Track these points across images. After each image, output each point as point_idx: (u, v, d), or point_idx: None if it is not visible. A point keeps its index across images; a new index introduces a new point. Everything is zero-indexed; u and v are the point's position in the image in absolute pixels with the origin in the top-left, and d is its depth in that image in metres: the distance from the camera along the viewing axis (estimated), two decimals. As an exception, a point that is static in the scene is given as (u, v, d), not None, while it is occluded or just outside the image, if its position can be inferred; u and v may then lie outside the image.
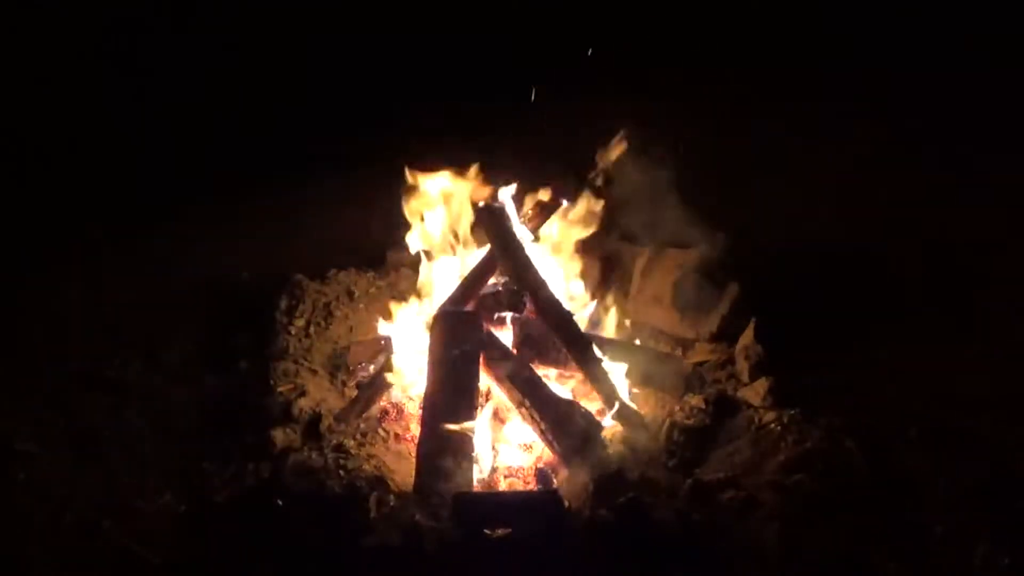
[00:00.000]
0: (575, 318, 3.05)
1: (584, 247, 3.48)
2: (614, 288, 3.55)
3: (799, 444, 2.52)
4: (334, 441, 2.74)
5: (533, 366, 2.94)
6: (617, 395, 2.89)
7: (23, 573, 2.27)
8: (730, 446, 2.66)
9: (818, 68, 6.18)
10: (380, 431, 2.87)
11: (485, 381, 2.87)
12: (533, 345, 3.04)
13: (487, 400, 2.93)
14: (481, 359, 2.80)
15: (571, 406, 2.72)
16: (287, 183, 5.17)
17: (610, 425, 2.83)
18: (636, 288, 3.51)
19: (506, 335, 3.08)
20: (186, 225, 4.72)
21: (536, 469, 2.73)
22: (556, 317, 2.98)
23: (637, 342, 3.36)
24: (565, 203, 3.37)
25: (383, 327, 3.32)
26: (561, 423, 2.65)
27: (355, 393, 3.07)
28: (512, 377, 2.77)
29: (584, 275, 3.49)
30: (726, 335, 3.25)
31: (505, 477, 2.72)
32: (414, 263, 3.78)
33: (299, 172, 5.32)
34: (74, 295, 3.87)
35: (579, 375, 3.00)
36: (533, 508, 2.31)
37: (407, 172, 3.36)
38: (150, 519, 2.43)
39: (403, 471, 2.65)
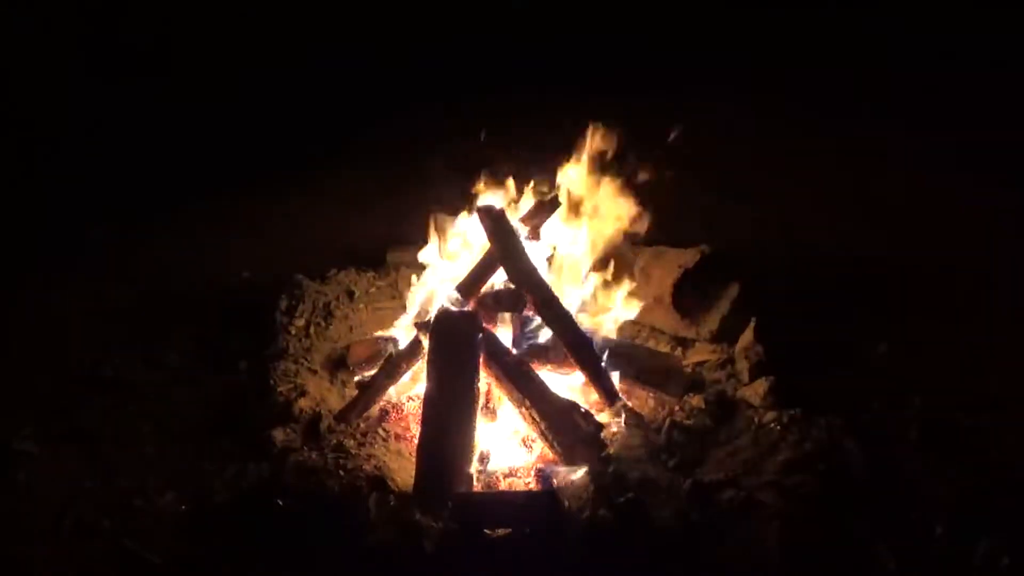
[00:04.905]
0: (575, 318, 3.05)
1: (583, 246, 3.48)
2: (614, 287, 3.55)
3: (799, 444, 2.52)
4: (334, 441, 2.74)
5: (533, 366, 2.93)
6: (617, 395, 2.89)
7: (24, 573, 2.27)
8: (730, 446, 2.66)
9: (819, 68, 6.19)
10: (380, 431, 2.87)
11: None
12: (533, 345, 3.04)
13: (487, 400, 2.93)
14: (481, 359, 2.80)
15: (571, 406, 2.72)
16: (287, 183, 5.19)
17: (610, 425, 2.83)
18: (636, 288, 3.50)
19: (506, 335, 3.08)
20: (186, 225, 4.73)
21: (536, 469, 2.73)
22: (556, 317, 2.98)
23: (637, 342, 3.36)
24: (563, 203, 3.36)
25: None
26: (561, 423, 2.65)
27: (355, 393, 3.07)
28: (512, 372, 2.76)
29: (585, 275, 3.49)
30: (726, 335, 3.25)
31: (505, 477, 2.72)
32: (414, 263, 3.78)
33: (299, 172, 5.33)
34: (74, 295, 3.88)
35: (579, 375, 3.00)
36: (533, 508, 2.31)
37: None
38: (150, 519, 2.43)
39: (403, 471, 2.65)
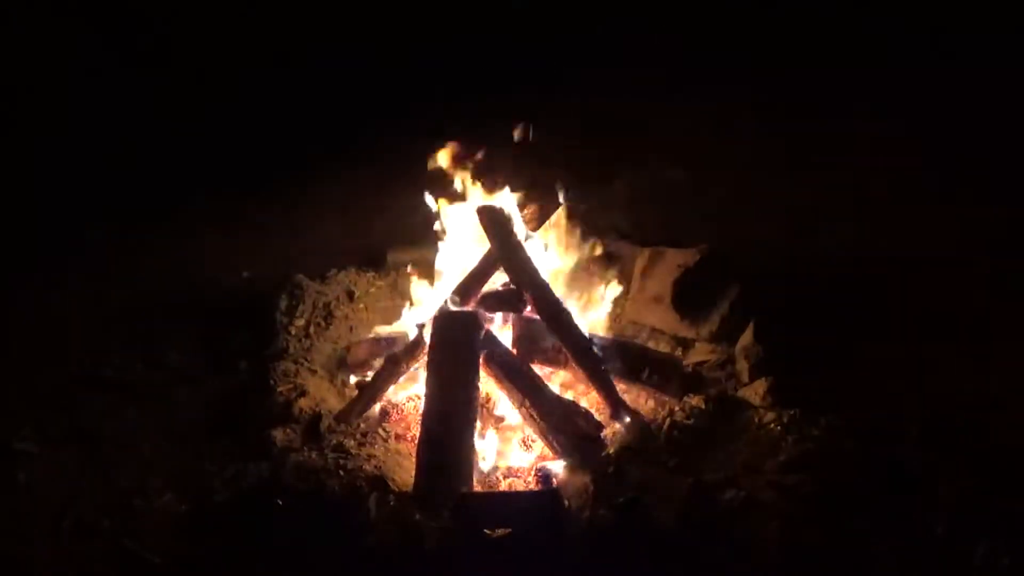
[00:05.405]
0: (575, 318, 3.05)
1: (584, 247, 3.48)
2: (614, 288, 3.56)
3: (799, 444, 2.52)
4: (334, 441, 2.74)
5: (533, 366, 2.94)
6: (617, 395, 2.89)
7: (24, 573, 2.27)
8: (730, 446, 2.66)
9: (819, 68, 6.18)
10: (380, 431, 2.87)
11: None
12: (533, 345, 3.04)
13: (487, 401, 2.93)
14: (481, 359, 2.80)
15: (571, 406, 2.72)
16: (288, 183, 5.19)
17: (610, 425, 2.83)
18: (636, 288, 3.51)
19: (506, 335, 3.08)
20: (186, 225, 4.73)
21: (536, 469, 2.73)
22: (556, 317, 2.98)
23: (637, 342, 3.36)
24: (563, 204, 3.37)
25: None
26: (561, 423, 2.65)
27: (355, 393, 3.07)
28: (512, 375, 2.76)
29: (585, 275, 3.49)
30: (726, 335, 3.25)
31: (505, 477, 2.72)
32: (413, 263, 3.78)
33: (299, 172, 5.33)
34: (74, 295, 3.88)
35: (579, 375, 3.00)
36: (533, 508, 2.31)
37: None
38: (150, 519, 2.43)
39: (403, 471, 2.65)
